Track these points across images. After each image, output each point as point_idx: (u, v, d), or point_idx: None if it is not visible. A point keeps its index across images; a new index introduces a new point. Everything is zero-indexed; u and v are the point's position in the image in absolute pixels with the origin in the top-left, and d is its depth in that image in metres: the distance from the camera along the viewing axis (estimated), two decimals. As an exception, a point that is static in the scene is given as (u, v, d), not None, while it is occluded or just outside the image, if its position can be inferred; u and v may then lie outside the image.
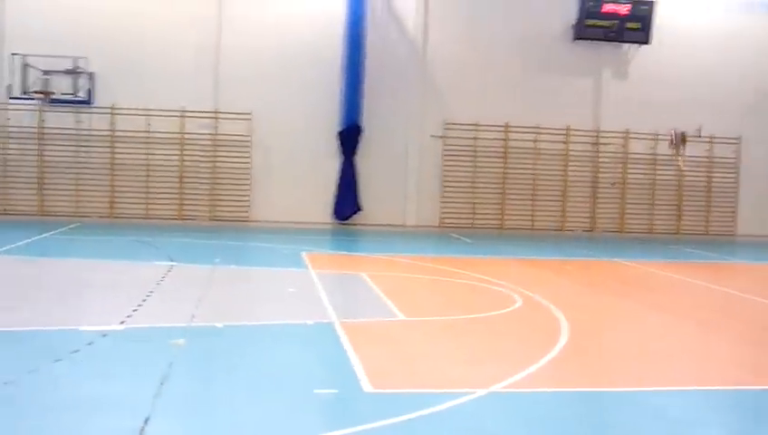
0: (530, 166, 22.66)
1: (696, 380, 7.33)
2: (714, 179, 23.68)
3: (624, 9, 22.22)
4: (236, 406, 5.93)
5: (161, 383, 6.26)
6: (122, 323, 8.42)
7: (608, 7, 22.17)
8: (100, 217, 20.87)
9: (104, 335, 7.85)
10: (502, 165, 22.55)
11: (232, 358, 7.37)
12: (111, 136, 20.94)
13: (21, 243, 15.48)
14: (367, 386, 6.46)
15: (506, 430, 5.74)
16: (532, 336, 8.86)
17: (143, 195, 21.13)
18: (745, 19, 23.62)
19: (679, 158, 18.47)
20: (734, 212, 23.88)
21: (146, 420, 5.39)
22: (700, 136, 21.59)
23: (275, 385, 6.53)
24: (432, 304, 10.87)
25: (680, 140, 18.17)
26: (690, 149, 23.02)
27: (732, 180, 23.81)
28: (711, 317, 10.84)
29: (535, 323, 9.64)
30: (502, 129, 22.39)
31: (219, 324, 8.61)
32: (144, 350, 7.53)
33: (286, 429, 5.54)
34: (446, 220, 22.34)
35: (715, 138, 23.33)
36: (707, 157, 23.46)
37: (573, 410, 6.32)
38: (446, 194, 22.38)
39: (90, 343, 7.51)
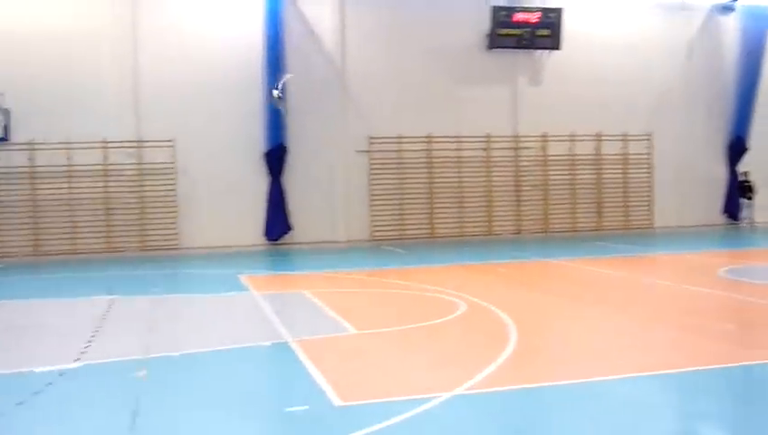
0: (454, 174, 23.18)
1: (642, 366, 7.71)
2: (629, 175, 24.70)
3: (534, 17, 23.03)
4: (214, 432, 6.02)
5: (134, 417, 6.29)
6: (77, 360, 8.34)
7: (518, 16, 22.95)
8: (24, 256, 20.35)
9: (61, 374, 7.77)
10: (427, 175, 22.99)
11: (197, 386, 7.41)
12: (31, 172, 20.46)
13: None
14: (336, 400, 6.62)
15: (478, 429, 6.00)
16: (483, 339, 9.17)
17: (69, 229, 20.67)
18: (648, 21, 24.79)
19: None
20: (650, 205, 24.93)
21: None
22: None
23: (246, 408, 6.63)
24: (380, 315, 11.08)
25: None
26: (606, 147, 24.13)
27: (646, 175, 24.87)
28: (643, 307, 11.37)
29: (484, 325, 9.96)
30: (425, 140, 22.85)
31: (176, 353, 8.62)
32: (107, 385, 7.50)
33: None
34: (377, 233, 22.62)
35: (628, 136, 24.39)
36: (622, 154, 24.48)
37: (537, 405, 6.63)
38: (374, 207, 22.67)
39: (49, 384, 7.43)
